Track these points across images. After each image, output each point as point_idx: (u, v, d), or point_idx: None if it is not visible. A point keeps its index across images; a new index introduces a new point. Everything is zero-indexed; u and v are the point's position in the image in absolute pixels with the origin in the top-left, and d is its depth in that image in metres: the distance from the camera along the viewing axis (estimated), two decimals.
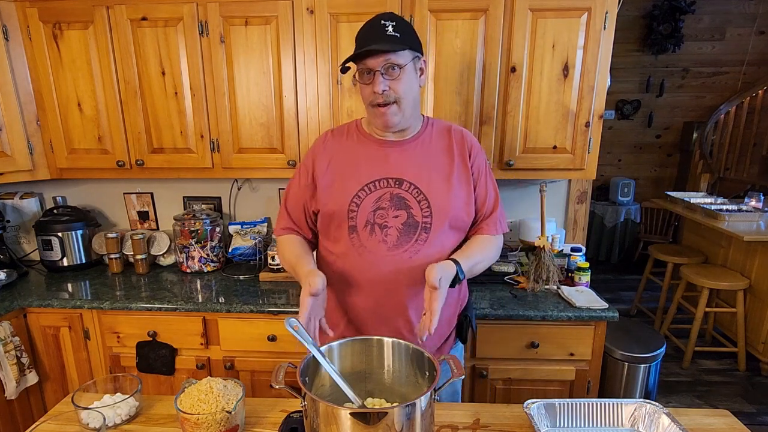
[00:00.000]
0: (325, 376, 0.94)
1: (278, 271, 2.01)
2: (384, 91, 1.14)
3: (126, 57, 1.86)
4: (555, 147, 1.84)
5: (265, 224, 2.23)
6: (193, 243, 2.08)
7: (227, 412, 0.99)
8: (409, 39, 1.16)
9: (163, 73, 1.87)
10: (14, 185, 2.26)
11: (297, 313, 1.51)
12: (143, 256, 2.11)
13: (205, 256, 2.10)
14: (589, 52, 1.74)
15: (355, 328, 1.27)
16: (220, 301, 1.79)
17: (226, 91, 1.87)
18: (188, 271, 2.11)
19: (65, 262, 2.13)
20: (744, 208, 3.26)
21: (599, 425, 1.06)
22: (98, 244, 2.19)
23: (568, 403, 1.07)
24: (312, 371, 0.94)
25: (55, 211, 2.18)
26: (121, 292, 1.89)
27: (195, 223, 2.07)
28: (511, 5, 1.71)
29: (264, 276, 2.00)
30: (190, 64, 1.85)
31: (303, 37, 1.79)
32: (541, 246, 1.86)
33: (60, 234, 2.10)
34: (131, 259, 2.17)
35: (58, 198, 2.25)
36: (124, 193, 2.35)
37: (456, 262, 1.14)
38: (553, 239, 1.92)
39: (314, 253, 1.36)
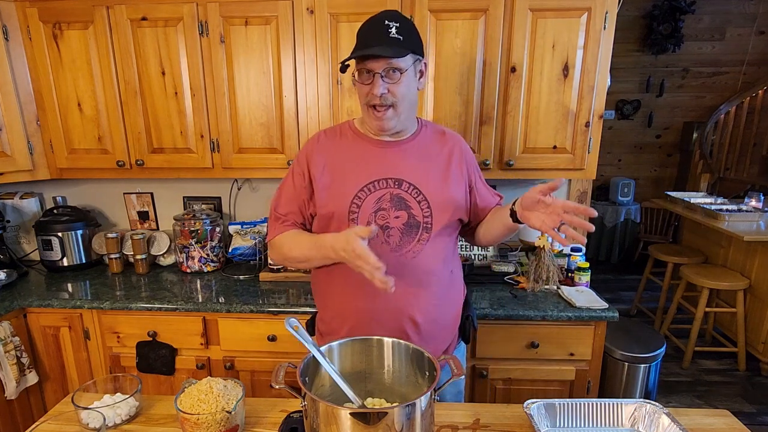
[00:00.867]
0: (325, 376, 0.94)
1: (278, 271, 2.01)
2: (383, 94, 1.14)
3: (126, 57, 1.86)
4: (555, 147, 1.84)
5: (265, 224, 2.23)
6: (193, 243, 2.08)
7: (227, 412, 0.99)
8: (411, 42, 1.15)
9: (163, 73, 1.87)
10: (14, 185, 2.26)
11: (297, 313, 1.52)
12: (143, 256, 2.11)
13: (205, 256, 2.10)
14: (589, 52, 1.74)
15: (361, 332, 1.24)
16: (220, 301, 1.79)
17: (226, 91, 1.87)
18: (188, 271, 2.11)
19: (65, 262, 2.13)
20: (744, 208, 3.26)
21: (599, 425, 1.06)
22: (98, 244, 2.19)
23: (568, 403, 1.07)
24: (312, 371, 0.94)
25: (55, 211, 2.18)
26: (121, 292, 1.89)
27: (195, 223, 2.07)
28: (511, 5, 1.71)
29: (264, 276, 2.00)
30: (190, 64, 1.85)
31: (303, 37, 1.79)
32: (541, 246, 1.86)
33: (60, 234, 2.10)
34: (131, 259, 2.17)
35: (58, 198, 2.25)
36: (124, 193, 2.35)
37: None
38: (553, 239, 1.91)
39: None
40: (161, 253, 2.19)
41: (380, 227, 1.18)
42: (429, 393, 0.82)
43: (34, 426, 1.00)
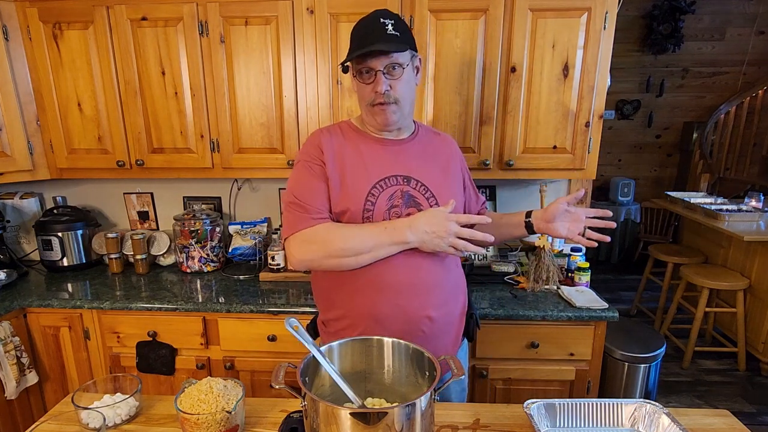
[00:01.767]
0: (325, 376, 0.94)
1: (278, 271, 2.01)
2: (386, 91, 1.14)
3: (126, 57, 1.86)
4: (555, 147, 1.84)
5: (265, 224, 2.23)
6: (193, 243, 2.08)
7: (227, 412, 0.99)
8: (408, 38, 1.16)
9: (163, 73, 1.87)
10: (14, 185, 2.26)
11: (297, 313, 1.51)
12: (143, 256, 2.11)
13: (205, 256, 2.10)
14: (589, 52, 1.74)
15: (376, 332, 1.19)
16: (220, 301, 1.79)
17: (226, 91, 1.87)
18: (188, 271, 2.11)
19: (65, 262, 2.13)
20: (744, 208, 3.25)
21: (599, 425, 1.06)
22: (98, 244, 2.19)
23: (568, 403, 1.07)
24: (312, 371, 0.94)
25: (55, 211, 2.18)
26: (121, 292, 1.89)
27: (195, 223, 2.08)
28: (511, 5, 1.71)
29: (264, 276, 2.00)
30: (190, 64, 1.85)
31: (303, 37, 1.79)
32: (541, 246, 1.86)
33: (60, 234, 2.10)
34: (131, 259, 2.17)
35: (58, 198, 2.25)
36: (124, 193, 2.35)
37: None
38: (553, 239, 1.92)
39: None
40: (161, 253, 2.19)
41: None
42: (429, 393, 0.82)
43: (34, 426, 1.00)
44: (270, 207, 2.31)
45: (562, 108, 1.80)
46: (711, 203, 3.44)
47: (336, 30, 1.77)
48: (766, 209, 3.18)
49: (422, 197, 1.20)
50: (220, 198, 2.33)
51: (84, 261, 2.17)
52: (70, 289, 1.96)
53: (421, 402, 0.81)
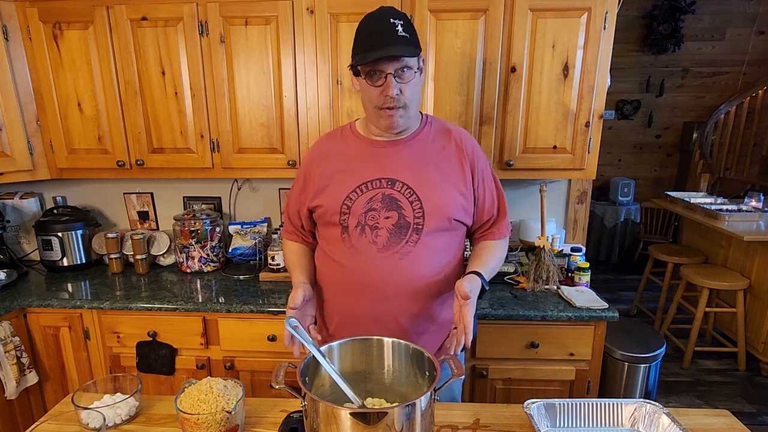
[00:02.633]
0: (325, 376, 0.94)
1: (278, 271, 2.01)
2: (396, 95, 1.12)
3: (126, 57, 1.86)
4: (555, 147, 1.84)
5: (265, 224, 2.23)
6: (193, 243, 2.08)
7: (227, 412, 0.99)
8: (417, 40, 1.14)
9: (163, 73, 1.87)
10: (14, 185, 2.26)
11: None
12: (143, 256, 2.11)
13: (205, 256, 2.10)
14: (589, 52, 1.74)
15: (349, 331, 1.23)
16: (220, 301, 1.79)
17: (226, 91, 1.87)
18: (188, 271, 2.11)
19: (65, 262, 2.13)
20: (744, 208, 3.26)
21: (599, 425, 1.06)
22: (98, 244, 2.19)
23: (568, 403, 1.07)
24: (312, 371, 0.94)
25: (55, 211, 2.18)
26: (121, 292, 1.89)
27: (195, 223, 2.07)
28: (511, 5, 1.71)
29: (264, 276, 2.00)
30: (190, 64, 1.85)
31: (303, 37, 1.79)
32: (541, 246, 1.86)
33: (60, 234, 2.10)
34: (131, 259, 2.17)
35: (58, 198, 2.25)
36: (124, 193, 2.35)
37: (479, 274, 1.17)
38: (553, 239, 1.92)
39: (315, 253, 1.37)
40: (161, 253, 2.19)
41: (369, 227, 1.19)
42: (429, 393, 0.82)
43: (34, 426, 1.00)
44: (270, 207, 2.31)
45: (562, 108, 1.80)
46: (711, 203, 3.44)
47: (336, 30, 1.77)
48: (766, 209, 3.18)
49: (405, 200, 1.18)
50: (220, 198, 2.33)
51: (84, 261, 2.17)
52: (70, 289, 1.96)
53: (421, 402, 0.81)
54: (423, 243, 1.18)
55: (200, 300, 1.81)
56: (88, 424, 1.03)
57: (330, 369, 0.91)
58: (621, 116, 5.21)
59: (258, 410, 1.13)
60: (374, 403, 0.98)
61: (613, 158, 5.35)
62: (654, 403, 1.05)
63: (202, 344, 1.81)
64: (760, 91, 4.71)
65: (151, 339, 1.81)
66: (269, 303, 1.77)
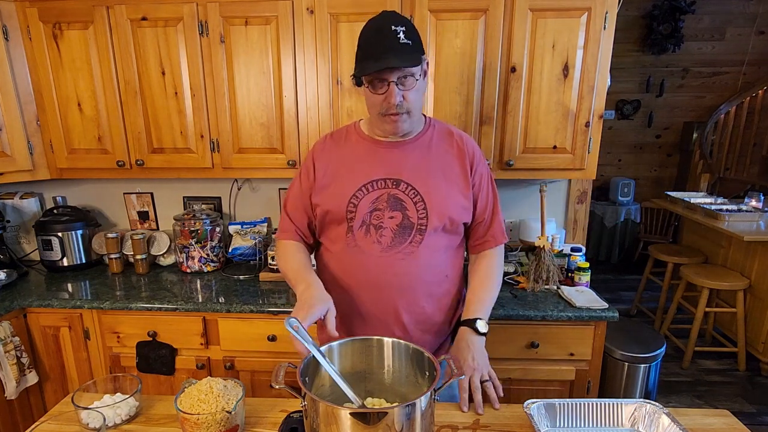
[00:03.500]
0: (325, 376, 0.94)
1: (278, 271, 2.01)
2: (399, 102, 1.12)
3: (126, 57, 1.86)
4: (555, 147, 1.84)
5: (265, 224, 2.23)
6: (193, 243, 2.08)
7: (227, 412, 0.99)
8: (419, 44, 1.13)
9: (163, 73, 1.87)
10: (14, 185, 2.26)
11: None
12: (143, 256, 2.11)
13: (205, 256, 2.10)
14: (589, 52, 1.74)
15: (348, 330, 1.25)
16: (220, 301, 1.79)
17: (226, 91, 1.87)
18: (188, 271, 2.11)
19: (65, 262, 2.13)
20: (744, 208, 3.26)
21: (599, 425, 1.06)
22: (98, 244, 2.19)
23: (568, 403, 1.07)
24: (312, 371, 0.94)
25: (55, 211, 2.18)
26: (121, 292, 1.89)
27: (195, 223, 2.07)
28: (511, 5, 1.71)
29: (264, 276, 2.00)
30: (190, 64, 1.85)
31: (303, 37, 1.79)
32: (541, 246, 1.86)
33: (60, 234, 2.10)
34: (131, 259, 2.17)
35: (58, 198, 2.25)
36: (124, 193, 2.35)
37: (475, 321, 1.21)
38: (553, 239, 1.92)
39: (313, 254, 1.37)
40: (161, 253, 2.19)
41: (374, 227, 1.19)
42: (429, 393, 0.82)
43: (34, 426, 1.00)
44: (270, 207, 2.31)
45: (562, 108, 1.80)
46: (711, 203, 3.44)
47: (336, 30, 1.77)
48: (766, 209, 3.18)
49: (410, 201, 1.19)
50: (220, 198, 2.33)
51: (84, 261, 2.17)
52: (70, 289, 1.96)
53: (421, 402, 0.81)
54: (426, 243, 1.19)
55: (200, 300, 1.81)
56: (88, 424, 1.03)
57: (330, 369, 0.91)
58: (621, 116, 5.21)
59: (258, 410, 1.13)
60: (374, 403, 0.98)
61: (613, 158, 5.36)
62: (654, 403, 1.05)
63: (202, 344, 1.81)
64: (760, 91, 4.71)
65: (151, 339, 1.81)
66: (269, 303, 1.77)
